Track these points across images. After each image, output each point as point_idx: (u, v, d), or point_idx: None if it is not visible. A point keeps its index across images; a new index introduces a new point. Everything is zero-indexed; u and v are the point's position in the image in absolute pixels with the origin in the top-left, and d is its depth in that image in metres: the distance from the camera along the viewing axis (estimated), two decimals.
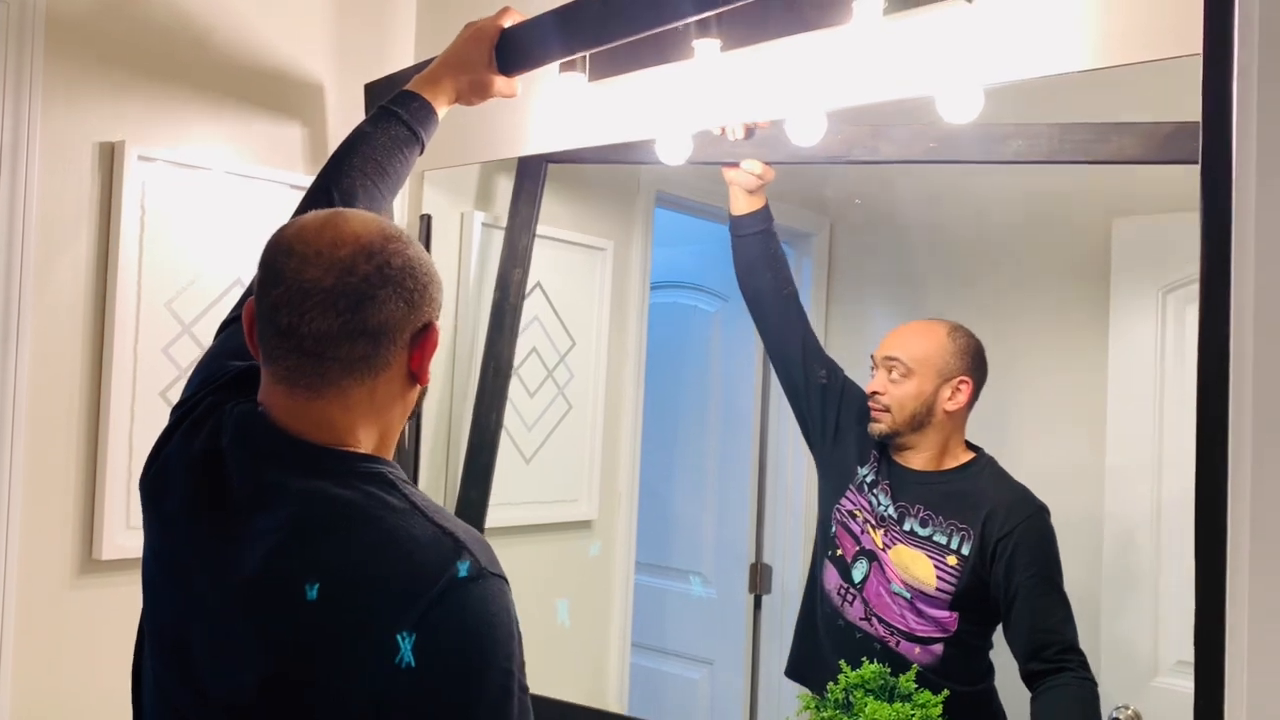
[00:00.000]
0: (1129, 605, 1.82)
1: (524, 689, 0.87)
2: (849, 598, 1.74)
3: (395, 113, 1.30)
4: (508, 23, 1.39)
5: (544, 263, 2.02)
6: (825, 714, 1.57)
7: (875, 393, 1.70)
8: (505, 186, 2.00)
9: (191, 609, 0.94)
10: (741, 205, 1.84)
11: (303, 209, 1.20)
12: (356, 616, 0.85)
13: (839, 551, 1.77)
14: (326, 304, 0.90)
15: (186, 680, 0.94)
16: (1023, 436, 2.00)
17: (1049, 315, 2.01)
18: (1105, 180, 1.76)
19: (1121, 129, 1.42)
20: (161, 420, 1.62)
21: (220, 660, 0.91)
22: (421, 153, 1.33)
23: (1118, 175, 1.68)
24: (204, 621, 0.93)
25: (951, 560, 1.64)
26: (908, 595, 1.67)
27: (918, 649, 1.64)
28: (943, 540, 1.65)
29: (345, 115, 1.90)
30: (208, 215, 1.72)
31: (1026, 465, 1.98)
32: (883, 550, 1.71)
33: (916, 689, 1.55)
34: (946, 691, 1.54)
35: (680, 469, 2.44)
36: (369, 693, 0.84)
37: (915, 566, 1.67)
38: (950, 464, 1.72)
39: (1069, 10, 1.21)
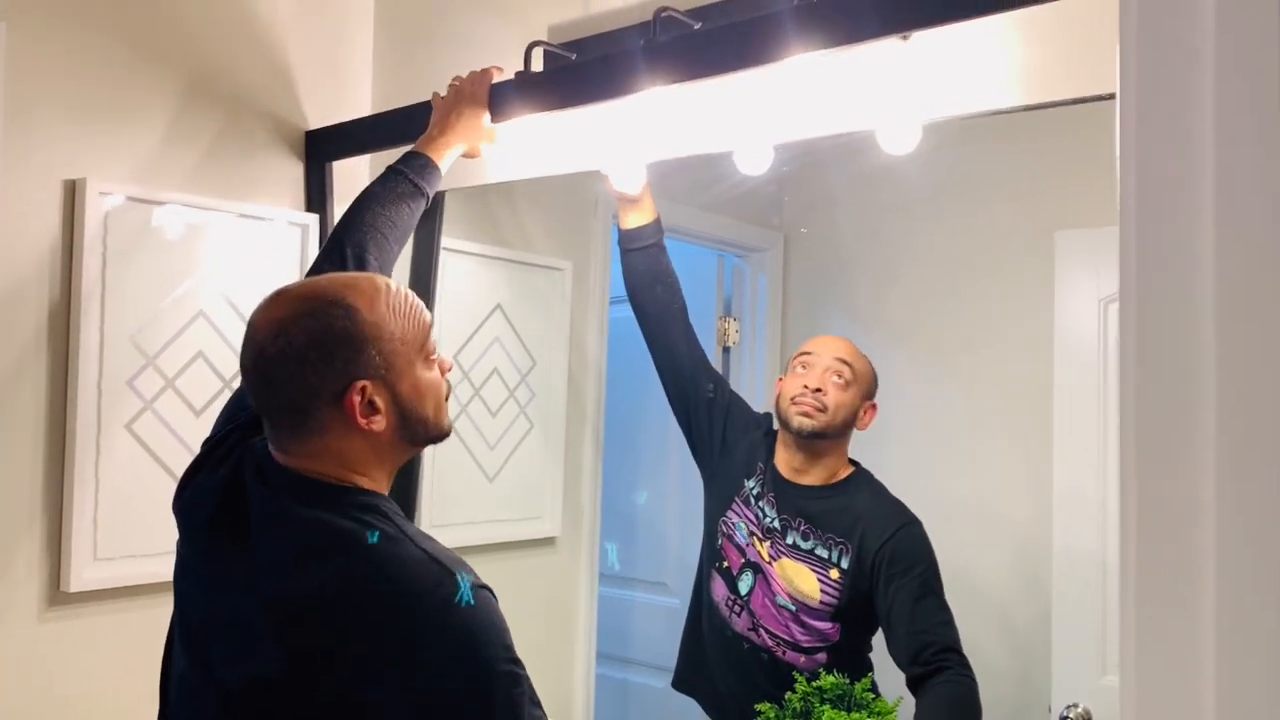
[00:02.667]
0: (1078, 606, 1.89)
1: (524, 671, 1.00)
2: (736, 609, 1.77)
3: (401, 171, 1.46)
4: (492, 79, 1.58)
5: (503, 284, 2.06)
6: None
7: (818, 389, 1.69)
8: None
9: (214, 614, 1.08)
10: (631, 219, 1.84)
11: (318, 263, 1.37)
12: (357, 630, 0.98)
13: (725, 563, 1.80)
14: (256, 383, 1.08)
15: (209, 675, 1.07)
16: (972, 448, 2.06)
17: (996, 326, 2.08)
18: (1048, 192, 1.82)
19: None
20: (127, 451, 1.67)
21: (238, 660, 1.04)
22: (428, 205, 1.48)
23: (1060, 187, 1.74)
24: (224, 625, 1.06)
25: (834, 574, 1.67)
26: (793, 608, 1.71)
27: (803, 658, 1.69)
28: (824, 554, 1.69)
29: (301, 150, 1.92)
30: (169, 248, 1.74)
31: (976, 475, 2.04)
32: (768, 563, 1.74)
33: (873, 698, 1.60)
34: (900, 699, 1.59)
35: (643, 481, 2.48)
36: (376, 698, 0.96)
37: (799, 579, 1.71)
38: (831, 478, 1.75)
39: (998, 50, 1.27)
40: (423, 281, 1.96)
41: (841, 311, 2.26)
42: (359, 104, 2.03)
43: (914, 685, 1.55)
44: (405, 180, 1.45)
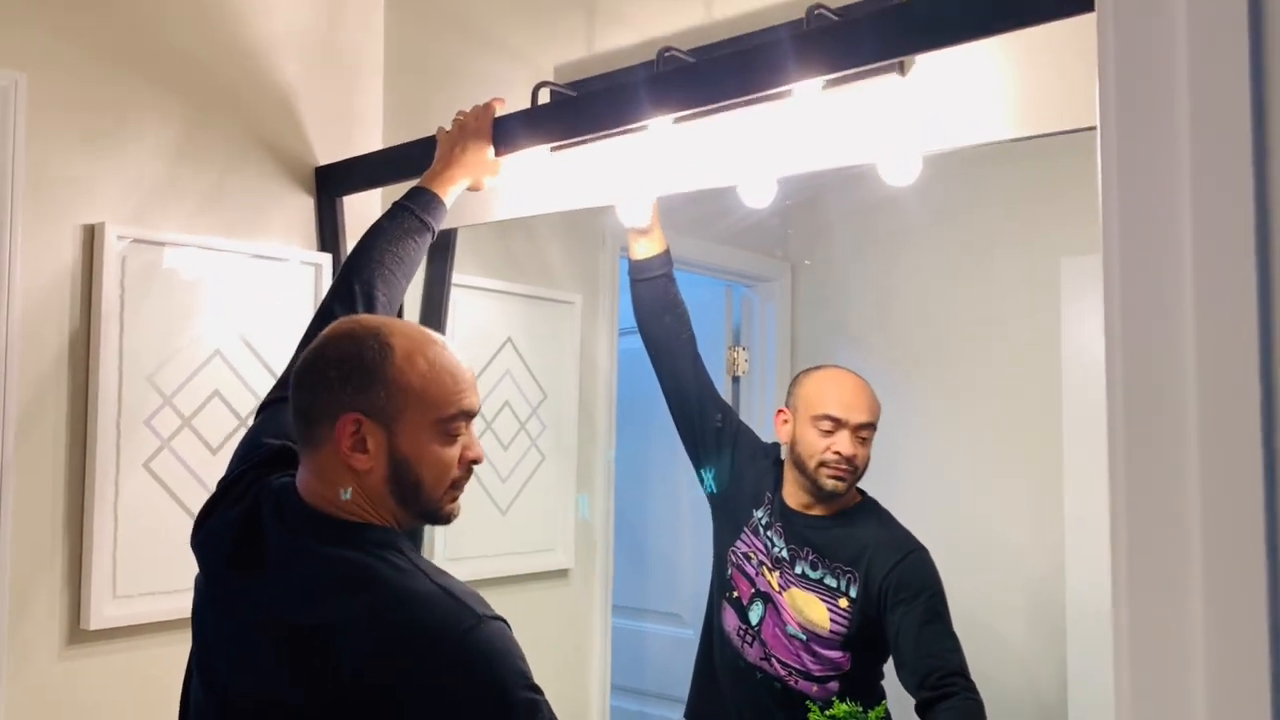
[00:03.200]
0: (1094, 632, 1.88)
1: (543, 697, 1.02)
2: (748, 639, 1.77)
3: (407, 207, 1.49)
4: (494, 113, 1.60)
5: (514, 318, 2.09)
6: None
7: (852, 456, 1.70)
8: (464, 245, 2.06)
9: (231, 644, 1.12)
10: (640, 250, 1.86)
11: (328, 301, 1.40)
12: (377, 663, 1.00)
13: (735, 593, 1.81)
14: (293, 383, 1.13)
15: (226, 706, 1.11)
16: (982, 476, 2.06)
17: (1003, 354, 2.09)
18: (1052, 219, 1.83)
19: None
20: (145, 490, 1.69)
21: (256, 689, 1.07)
22: (434, 239, 1.52)
23: (1065, 214, 1.75)
24: (241, 655, 1.10)
25: (843, 603, 1.68)
26: (803, 637, 1.71)
27: (815, 687, 1.69)
28: (833, 583, 1.70)
29: (312, 188, 1.96)
30: (184, 289, 1.77)
31: (986, 505, 2.05)
32: (778, 592, 1.75)
33: None
34: None
35: (655, 511, 2.49)
36: None
37: (809, 609, 1.71)
38: (839, 507, 1.75)
39: (993, 84, 1.29)
40: (434, 317, 1.99)
41: (849, 340, 2.27)
42: (370, 145, 2.07)
43: (921, 710, 1.55)
44: (411, 216, 1.48)
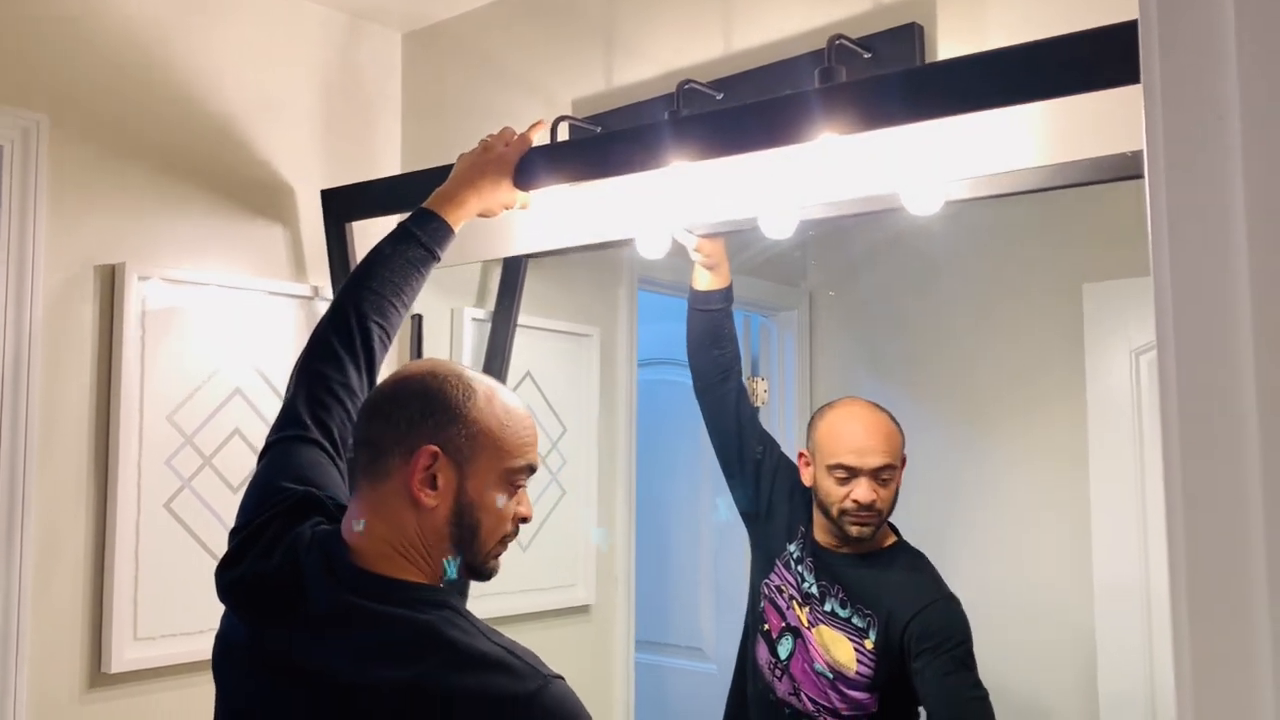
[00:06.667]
0: (1123, 660, 1.85)
1: None
2: (777, 673, 1.75)
3: (414, 234, 1.41)
4: (529, 144, 1.52)
5: (533, 352, 2.08)
6: None
7: (871, 503, 1.66)
8: (494, 280, 2.06)
9: (273, 703, 1.08)
10: (703, 282, 1.85)
11: (323, 326, 1.35)
12: None
13: (767, 626, 1.78)
14: (363, 415, 1.14)
15: None
16: (1007, 507, 2.04)
17: (1026, 382, 2.07)
18: (1074, 246, 1.82)
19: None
20: (167, 531, 1.68)
21: None
22: (437, 264, 1.44)
23: (1086, 240, 1.74)
24: (280, 712, 1.07)
25: (868, 644, 1.65)
26: (830, 675, 1.68)
27: None
28: (860, 624, 1.67)
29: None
30: (204, 328, 1.77)
31: (1012, 536, 2.02)
32: (807, 628, 1.72)
33: None
34: None
35: (676, 545, 2.47)
36: None
37: (836, 648, 1.68)
38: (871, 547, 1.71)
39: (1015, 111, 1.29)
40: (497, 359, 1.98)
41: (869, 370, 2.26)
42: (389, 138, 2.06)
43: None
44: (417, 245, 1.40)
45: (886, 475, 1.66)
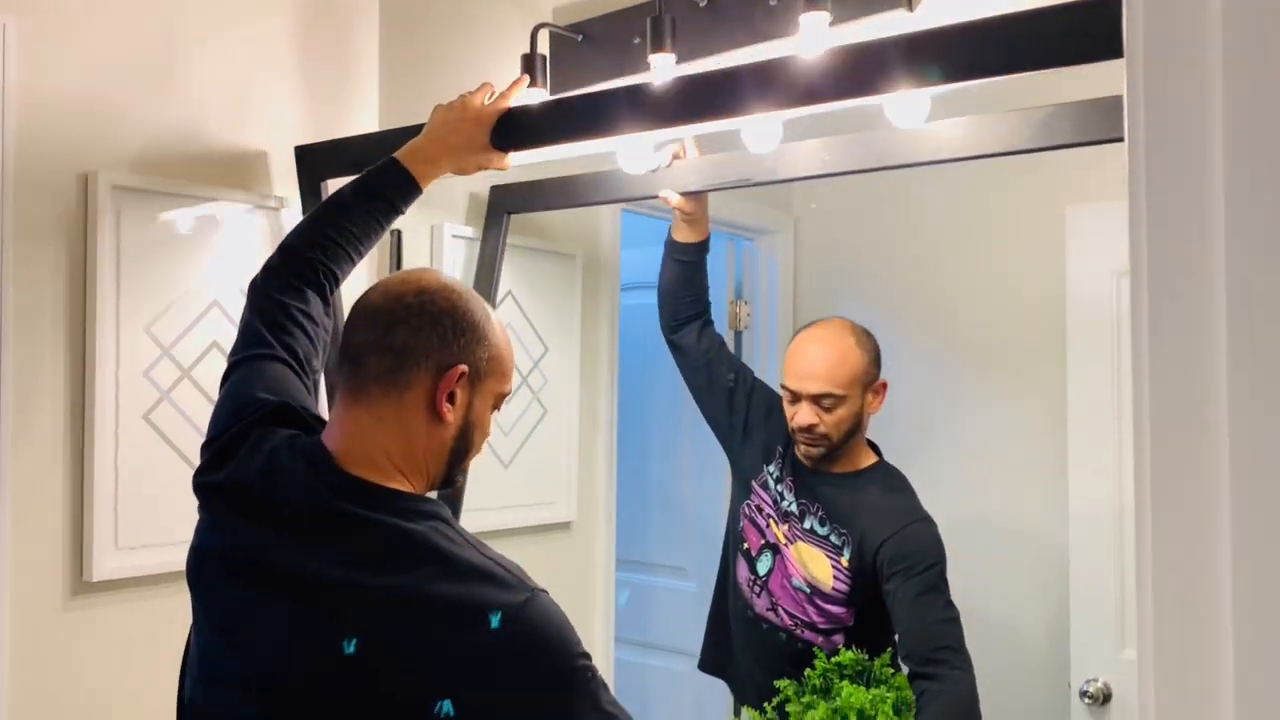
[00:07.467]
0: (1097, 583, 1.88)
1: (592, 662, 1.04)
2: (756, 589, 1.78)
3: (380, 191, 1.38)
4: (508, 103, 1.45)
5: (515, 271, 2.07)
6: (805, 699, 1.63)
7: (811, 426, 1.67)
8: (474, 196, 2.04)
9: (245, 606, 1.08)
10: (681, 233, 1.87)
11: (277, 262, 1.34)
12: (431, 634, 1.00)
13: (746, 545, 1.81)
14: (370, 320, 1.10)
15: (251, 670, 1.06)
16: (986, 424, 2.06)
17: (1007, 305, 2.07)
18: (1057, 169, 1.81)
19: (1063, 111, 1.45)
20: (147, 442, 1.68)
21: (289, 654, 1.04)
22: (400, 217, 1.42)
23: (1069, 163, 1.73)
24: (273, 619, 1.06)
25: (844, 561, 1.68)
26: (807, 590, 1.71)
27: (820, 639, 1.69)
28: (837, 542, 1.69)
29: (309, 137, 1.93)
30: (181, 239, 1.75)
31: (990, 452, 2.04)
32: (785, 545, 1.75)
33: (893, 673, 1.60)
34: None
35: (657, 465, 2.49)
36: (445, 704, 0.98)
37: (814, 565, 1.71)
38: (849, 467, 1.74)
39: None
40: (485, 281, 1.98)
41: (851, 293, 2.26)
42: (365, 94, 2.03)
43: (911, 682, 1.54)
44: (382, 200, 1.38)
45: (827, 402, 1.67)
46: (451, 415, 1.10)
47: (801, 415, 1.68)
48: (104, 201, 1.65)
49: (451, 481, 1.17)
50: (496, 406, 1.16)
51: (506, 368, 1.15)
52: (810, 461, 1.73)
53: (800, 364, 1.70)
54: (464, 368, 1.09)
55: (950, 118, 1.42)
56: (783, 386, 1.72)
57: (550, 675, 1.01)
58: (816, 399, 1.67)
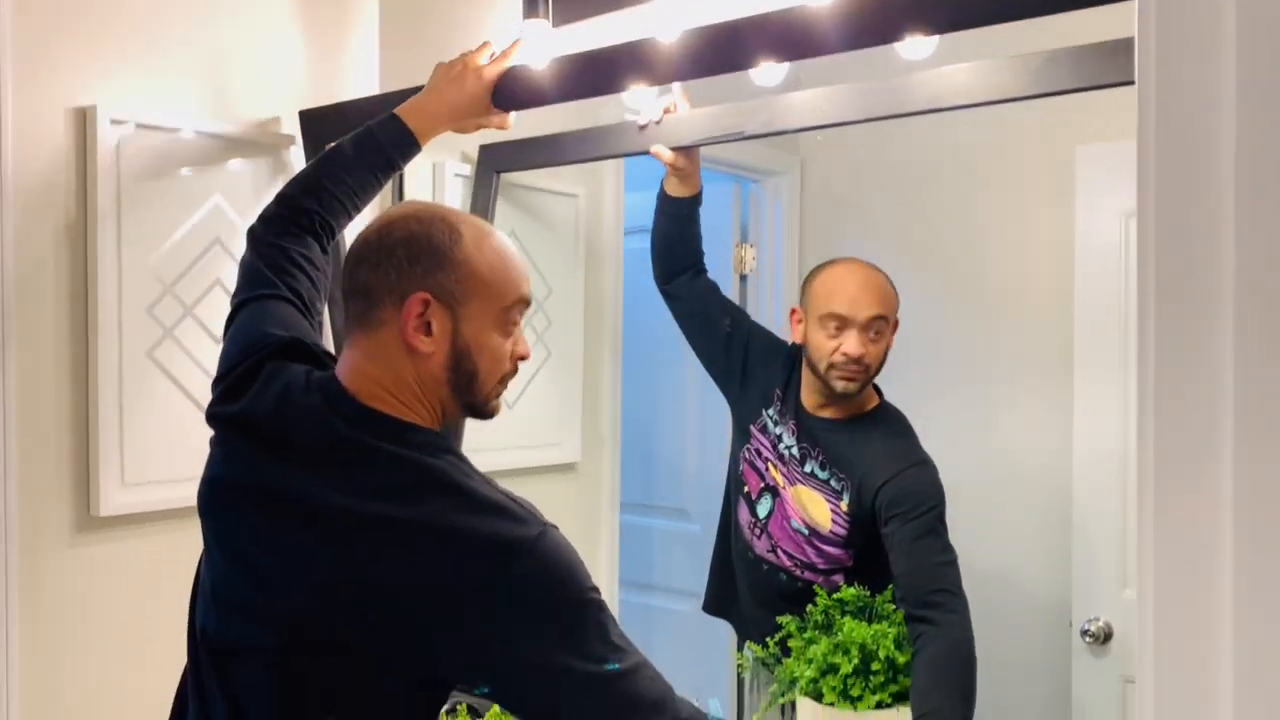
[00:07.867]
0: (1098, 519, 1.89)
1: (601, 596, 1.05)
2: (756, 532, 1.79)
3: (381, 145, 1.40)
4: (508, 63, 1.47)
5: (517, 211, 2.05)
6: (807, 635, 1.64)
7: (860, 356, 1.65)
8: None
9: (260, 536, 1.08)
10: (673, 187, 1.84)
11: (274, 213, 1.36)
12: (443, 564, 1.00)
13: (747, 488, 1.81)
14: (348, 263, 1.12)
15: (261, 599, 1.07)
16: (993, 366, 2.05)
17: (1015, 246, 2.06)
18: (1067, 107, 1.79)
19: (1077, 54, 1.43)
20: (150, 378, 1.68)
21: (299, 580, 1.05)
22: (397, 173, 1.43)
23: (1079, 102, 1.71)
24: (284, 546, 1.06)
25: (844, 506, 1.67)
26: (806, 531, 1.71)
27: (820, 579, 1.70)
28: (836, 486, 1.69)
29: (311, 73, 1.91)
30: (184, 176, 1.74)
31: (997, 393, 2.04)
32: (784, 488, 1.75)
33: (894, 609, 1.61)
34: None
35: (662, 408, 2.49)
36: (453, 638, 1.00)
37: (812, 507, 1.71)
38: (854, 410, 1.72)
39: None
40: (481, 214, 1.95)
41: (859, 236, 2.24)
42: (367, 37, 2.00)
43: (909, 624, 1.54)
44: (381, 155, 1.40)
45: (878, 329, 1.66)
46: (428, 345, 1.08)
47: (851, 344, 1.65)
48: (103, 136, 1.63)
49: (481, 410, 1.15)
50: (509, 323, 1.13)
51: (494, 284, 1.10)
52: (841, 402, 1.71)
53: (851, 289, 1.68)
54: (424, 295, 1.07)
55: (956, 62, 1.40)
56: (826, 316, 1.68)
57: (562, 607, 1.02)
58: (868, 325, 1.65)
